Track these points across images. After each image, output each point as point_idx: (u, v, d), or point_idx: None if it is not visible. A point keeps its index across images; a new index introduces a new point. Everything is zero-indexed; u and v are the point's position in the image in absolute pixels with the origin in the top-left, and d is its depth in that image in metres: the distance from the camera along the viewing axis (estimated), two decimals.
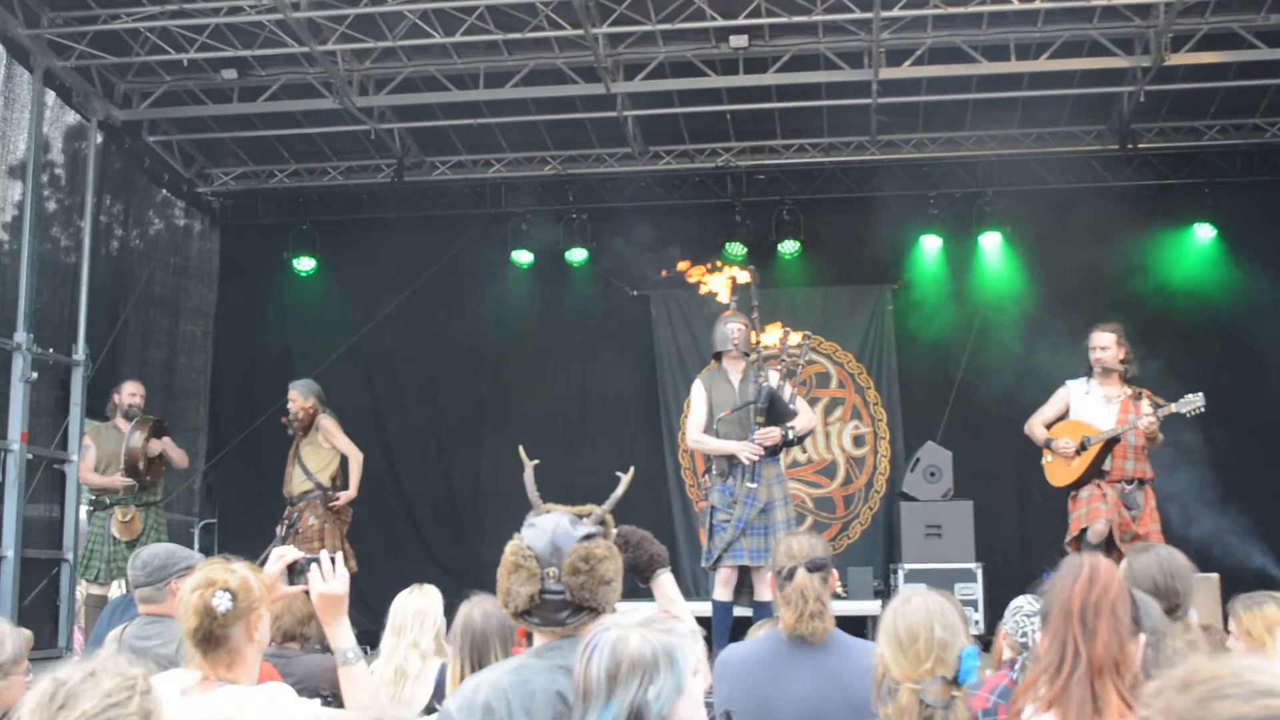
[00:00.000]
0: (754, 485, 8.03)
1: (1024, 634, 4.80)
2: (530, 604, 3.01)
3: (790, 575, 4.16)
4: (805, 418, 8.25)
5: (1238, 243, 11.76)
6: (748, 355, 8.31)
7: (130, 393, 10.16)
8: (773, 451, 8.12)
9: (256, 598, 3.43)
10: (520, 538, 3.08)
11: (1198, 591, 7.37)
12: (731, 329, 8.30)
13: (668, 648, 2.54)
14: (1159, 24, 9.89)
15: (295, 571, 3.78)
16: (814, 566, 4.17)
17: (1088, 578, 2.96)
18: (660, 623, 2.57)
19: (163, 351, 12.20)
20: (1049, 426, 8.69)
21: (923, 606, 3.45)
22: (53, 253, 10.55)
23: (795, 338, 8.67)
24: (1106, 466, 8.39)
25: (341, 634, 3.68)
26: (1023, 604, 4.87)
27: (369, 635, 5.23)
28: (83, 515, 10.36)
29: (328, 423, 10.13)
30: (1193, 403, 8.22)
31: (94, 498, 10.02)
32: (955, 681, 3.33)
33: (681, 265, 9.41)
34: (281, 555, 3.79)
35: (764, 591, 7.98)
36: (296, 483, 10.11)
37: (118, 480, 9.86)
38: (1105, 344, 8.51)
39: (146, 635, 4.72)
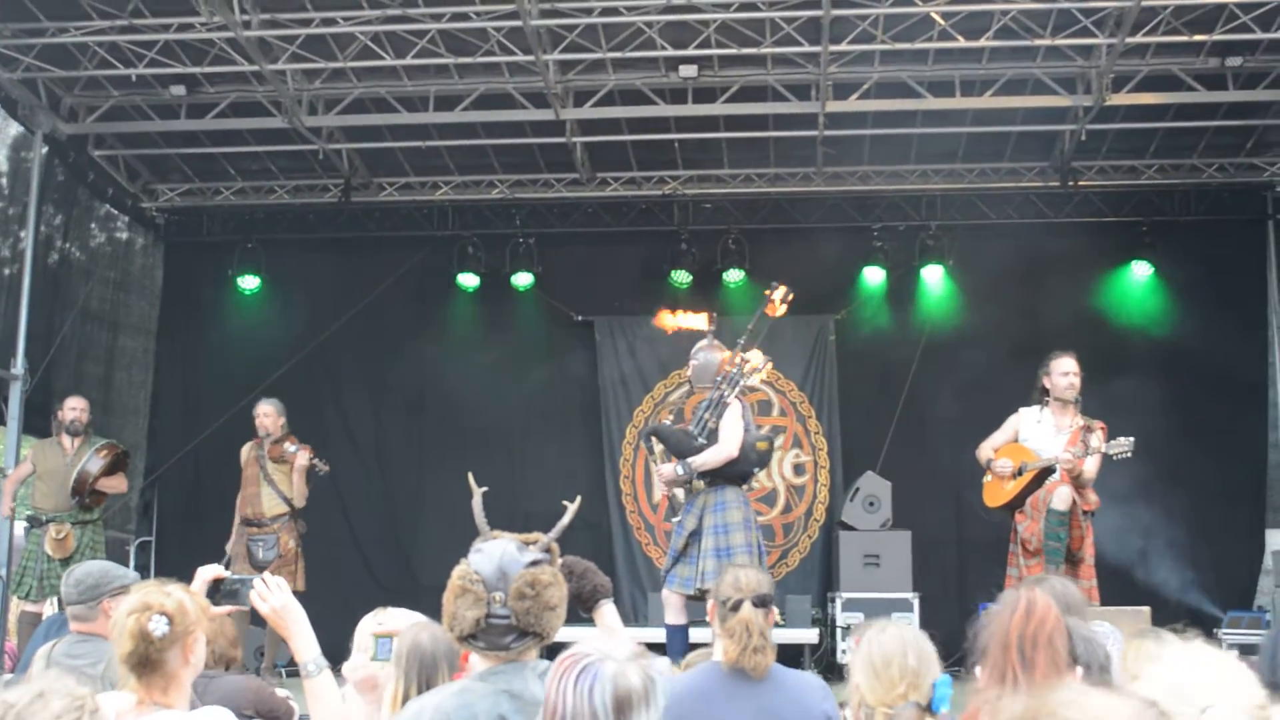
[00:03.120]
0: (676, 518, 8.01)
1: None
2: (476, 628, 3.03)
3: (736, 607, 4.16)
4: (707, 453, 7.82)
5: (1174, 280, 11.93)
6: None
7: (71, 407, 9.99)
8: (714, 480, 7.99)
9: (193, 621, 3.41)
10: (467, 562, 3.10)
11: (1128, 624, 7.49)
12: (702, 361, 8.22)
13: (655, 682, 2.57)
14: (1101, 64, 10.06)
15: (223, 592, 3.78)
16: (760, 602, 4.16)
17: (1025, 610, 3.01)
18: (643, 656, 2.59)
19: (100, 366, 12.08)
20: (996, 450, 8.75)
21: (897, 635, 3.56)
22: None
23: (756, 358, 8.41)
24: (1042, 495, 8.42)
25: (303, 646, 3.69)
26: None
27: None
28: (19, 531, 10.22)
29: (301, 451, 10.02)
30: (1121, 446, 8.25)
31: (30, 513, 9.87)
32: (929, 709, 3.38)
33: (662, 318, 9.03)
34: (205, 574, 3.80)
35: (670, 615, 7.94)
36: (268, 504, 9.98)
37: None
38: (1074, 369, 8.53)
39: (76, 654, 4.67)
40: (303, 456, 9.86)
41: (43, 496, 9.83)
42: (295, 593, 3.84)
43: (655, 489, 8.27)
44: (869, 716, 3.43)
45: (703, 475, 7.88)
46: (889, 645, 3.51)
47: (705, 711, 4.15)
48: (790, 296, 8.56)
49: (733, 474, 7.93)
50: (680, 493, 8.04)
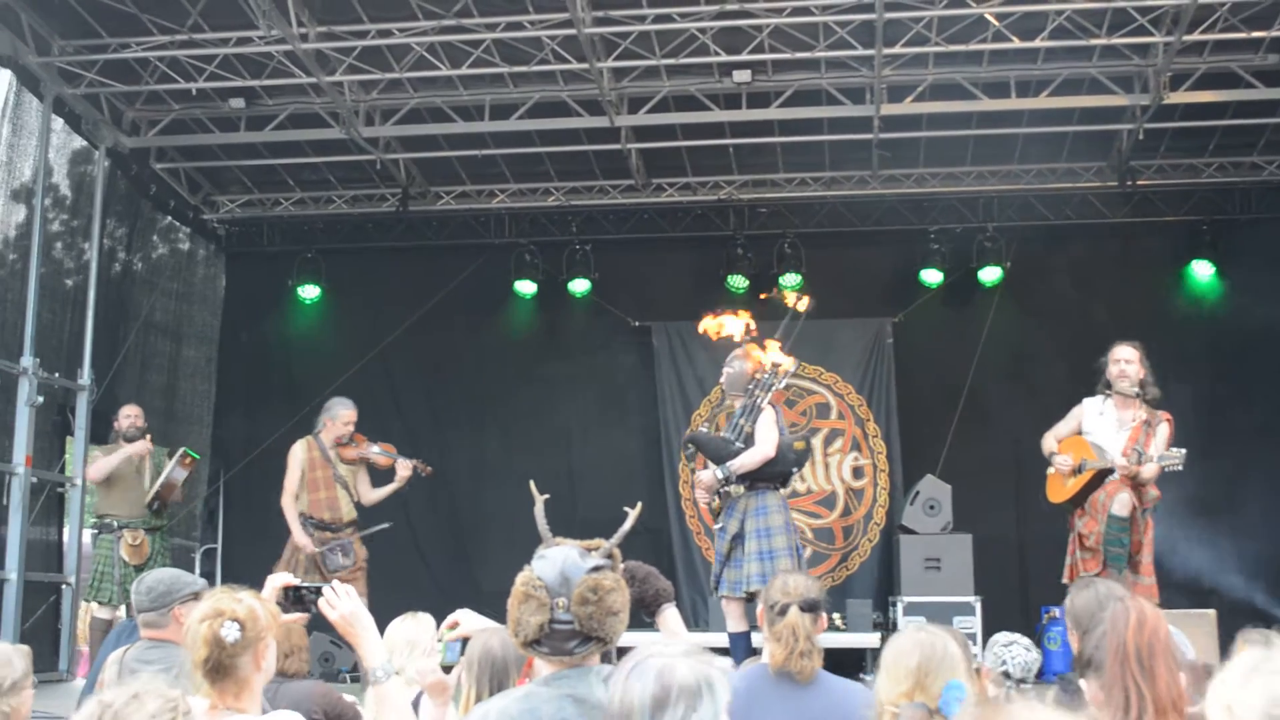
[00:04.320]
0: (718, 525, 8.06)
1: (1004, 662, 4.87)
2: (540, 633, 3.06)
3: (783, 611, 4.19)
4: (744, 456, 7.84)
5: (1236, 280, 11.82)
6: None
7: (127, 415, 10.07)
8: (753, 484, 8.04)
9: (264, 627, 3.47)
10: (531, 569, 3.14)
11: (1195, 628, 7.44)
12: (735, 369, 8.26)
13: (710, 679, 2.58)
14: (1158, 63, 9.98)
15: (293, 599, 3.83)
16: (807, 606, 4.20)
17: (1137, 621, 3.02)
18: (701, 654, 2.62)
19: (163, 376, 12.24)
20: (1060, 442, 8.63)
21: (913, 636, 3.58)
22: (54, 275, 10.62)
23: (786, 361, 8.33)
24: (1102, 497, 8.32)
25: (371, 652, 3.74)
26: (999, 638, 4.96)
27: None
28: (86, 538, 10.35)
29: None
30: (1172, 459, 8.10)
31: (99, 519, 9.92)
32: (938, 711, 3.38)
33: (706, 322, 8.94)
34: (276, 581, 3.85)
35: (730, 623, 7.98)
36: (346, 509, 9.74)
37: (127, 451, 9.86)
38: (1129, 357, 8.36)
39: (148, 659, 4.73)
40: (405, 466, 9.68)
41: (115, 503, 9.87)
42: None
43: (698, 495, 8.27)
44: (879, 714, 3.46)
45: (742, 479, 7.93)
46: (903, 644, 3.55)
47: (750, 713, 4.18)
48: (807, 299, 8.75)
49: (772, 475, 7.99)
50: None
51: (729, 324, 8.56)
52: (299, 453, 9.80)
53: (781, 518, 7.95)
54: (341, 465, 9.78)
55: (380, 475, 9.92)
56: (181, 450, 10.15)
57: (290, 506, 9.71)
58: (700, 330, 8.89)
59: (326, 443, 9.77)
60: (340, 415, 9.79)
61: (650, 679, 2.54)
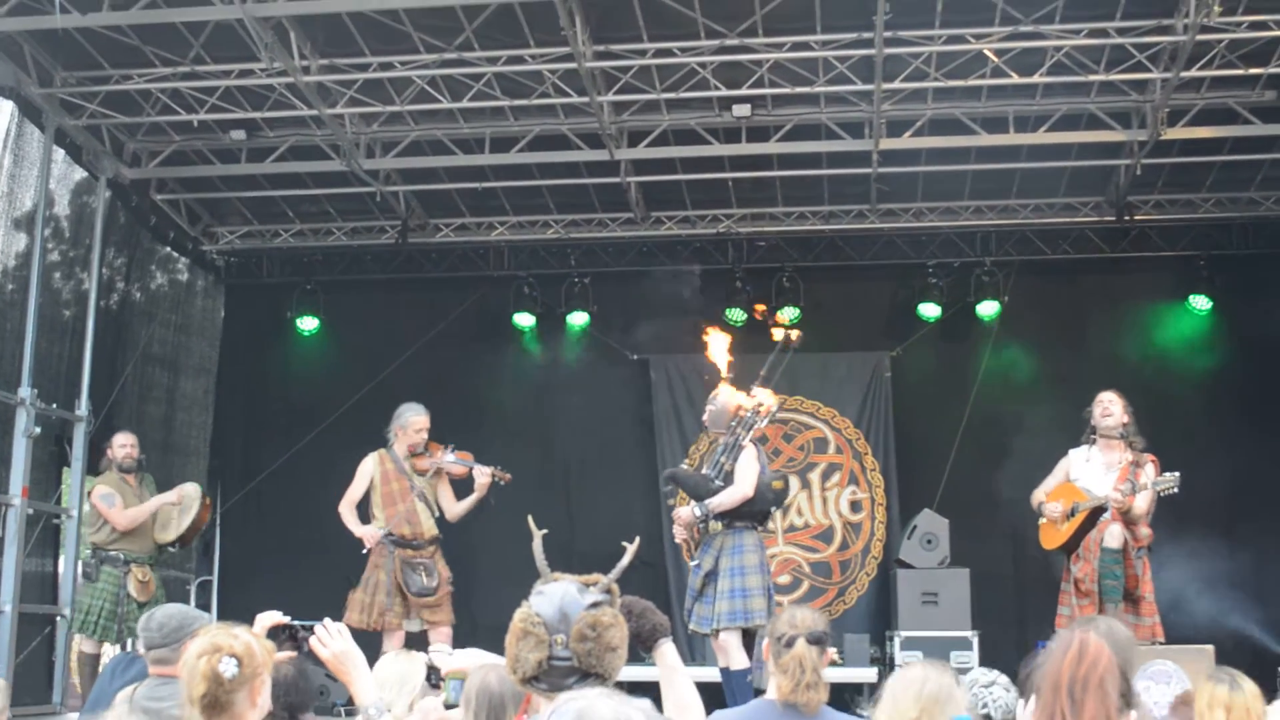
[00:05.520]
0: (694, 562, 8.10)
1: (984, 705, 4.85)
2: (538, 670, 3.06)
3: (790, 644, 4.21)
4: (723, 494, 7.90)
5: (1233, 315, 11.84)
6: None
7: (121, 445, 9.86)
8: (731, 522, 8.01)
9: (260, 663, 3.47)
10: (529, 605, 3.13)
11: (1193, 663, 7.41)
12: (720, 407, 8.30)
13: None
14: (1155, 99, 10.02)
15: (285, 637, 3.84)
16: (814, 639, 4.22)
17: (1077, 652, 3.03)
18: (621, 695, 2.55)
19: (160, 407, 12.21)
20: (1048, 494, 8.74)
21: (922, 669, 3.60)
22: (52, 306, 10.61)
23: (770, 400, 8.33)
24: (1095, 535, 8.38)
25: (362, 690, 3.75)
26: (978, 676, 4.94)
27: None
28: (77, 570, 10.17)
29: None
30: (1167, 482, 8.22)
31: (99, 551, 9.63)
32: None
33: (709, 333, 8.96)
34: (265, 620, 3.86)
35: (725, 658, 7.96)
36: (427, 524, 9.16)
37: (160, 501, 9.71)
38: (1113, 399, 8.57)
39: (160, 696, 4.72)
40: (482, 473, 9.07)
41: (123, 537, 9.60)
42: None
43: (676, 532, 8.30)
44: None
45: (720, 517, 7.98)
46: (909, 675, 3.62)
47: None
48: (796, 333, 8.82)
49: (750, 513, 8.05)
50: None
51: (716, 351, 8.60)
52: (368, 465, 9.28)
53: (756, 557, 8.03)
54: (418, 477, 9.22)
55: (462, 486, 9.40)
56: (203, 493, 10.03)
57: (346, 510, 9.21)
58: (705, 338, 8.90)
59: (400, 454, 9.25)
60: (411, 423, 9.24)
61: None
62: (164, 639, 4.86)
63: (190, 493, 10.01)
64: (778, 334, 8.93)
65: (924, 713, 3.46)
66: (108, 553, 9.65)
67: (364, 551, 9.09)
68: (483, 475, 9.07)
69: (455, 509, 9.28)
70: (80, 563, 10.07)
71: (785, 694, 4.19)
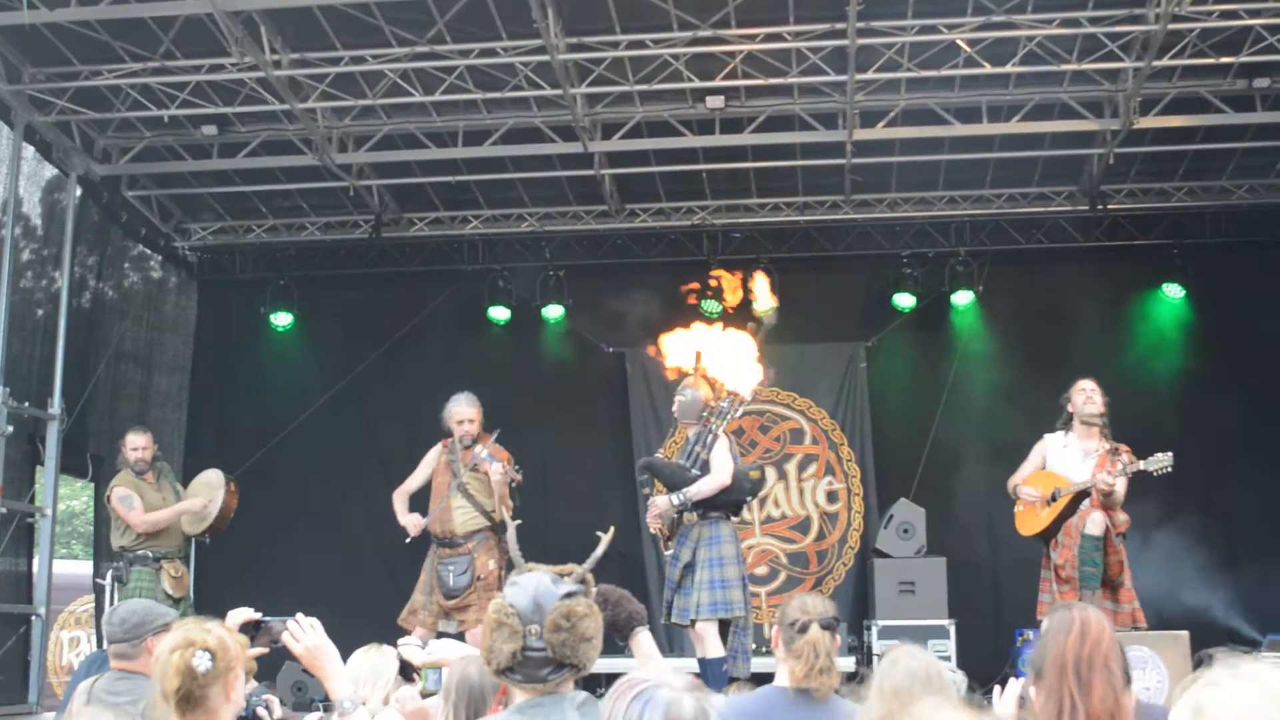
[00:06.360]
0: (670, 553, 8.13)
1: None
2: (512, 661, 3.05)
3: (804, 629, 4.28)
4: (701, 483, 7.92)
5: (1206, 303, 11.89)
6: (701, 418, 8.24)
7: (134, 447, 9.62)
8: (706, 512, 8.04)
9: (233, 657, 3.46)
10: (503, 596, 3.13)
11: (1167, 649, 7.45)
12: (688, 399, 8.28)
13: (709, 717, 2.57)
14: (1127, 88, 10.06)
15: (259, 632, 3.83)
16: (826, 624, 4.31)
17: (1079, 632, 3.03)
18: (704, 690, 2.61)
19: (134, 405, 12.13)
20: (1025, 480, 8.76)
21: (908, 664, 3.70)
22: (24, 304, 10.52)
23: (744, 391, 8.21)
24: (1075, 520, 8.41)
25: (336, 685, 3.74)
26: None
27: None
28: (84, 569, 9.97)
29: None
30: (1160, 461, 8.27)
31: (126, 551, 9.42)
32: None
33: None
34: (237, 617, 3.85)
35: (701, 648, 7.97)
36: (460, 520, 8.87)
37: (183, 508, 9.59)
38: (1094, 387, 8.60)
39: (116, 691, 4.74)
40: (496, 469, 8.69)
41: (152, 536, 9.43)
42: None
43: (650, 521, 8.28)
44: None
45: (696, 506, 8.01)
46: (898, 659, 3.70)
47: None
48: (763, 325, 8.80)
49: (726, 503, 8.08)
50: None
51: (676, 354, 8.53)
52: (430, 455, 9.22)
53: (733, 548, 8.05)
54: (465, 472, 8.93)
55: None
56: (227, 478, 9.90)
57: (397, 497, 9.17)
58: (652, 353, 8.90)
59: (457, 446, 9.03)
60: (451, 414, 9.06)
61: (659, 711, 2.52)
62: (125, 634, 4.85)
63: (213, 480, 9.91)
64: (755, 312, 8.90)
65: (928, 685, 3.49)
66: (136, 553, 9.45)
67: (406, 540, 9.05)
68: (496, 474, 8.76)
69: (499, 504, 8.86)
70: (110, 570, 9.64)
71: (798, 679, 4.25)
